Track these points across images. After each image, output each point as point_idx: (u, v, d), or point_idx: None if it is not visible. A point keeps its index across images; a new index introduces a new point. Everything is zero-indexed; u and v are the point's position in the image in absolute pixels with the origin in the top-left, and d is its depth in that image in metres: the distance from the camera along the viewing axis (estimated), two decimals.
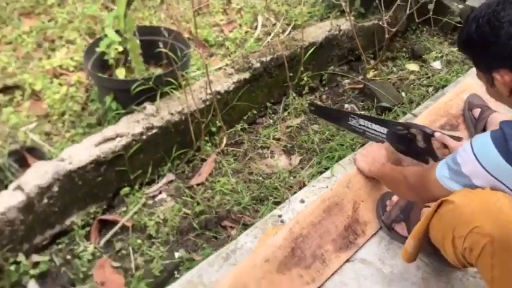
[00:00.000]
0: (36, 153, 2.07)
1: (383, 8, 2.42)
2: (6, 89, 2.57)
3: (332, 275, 1.66)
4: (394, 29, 2.43)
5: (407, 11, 2.43)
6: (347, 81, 2.68)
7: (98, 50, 2.06)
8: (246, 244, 1.75)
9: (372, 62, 2.78)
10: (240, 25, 2.89)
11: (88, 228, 1.95)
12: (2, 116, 2.36)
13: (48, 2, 3.18)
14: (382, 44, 2.71)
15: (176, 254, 1.87)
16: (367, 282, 1.65)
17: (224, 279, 1.59)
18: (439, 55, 2.88)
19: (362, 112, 2.47)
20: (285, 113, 2.43)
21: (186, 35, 2.74)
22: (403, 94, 2.58)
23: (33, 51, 2.83)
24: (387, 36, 2.42)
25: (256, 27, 2.86)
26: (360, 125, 2.01)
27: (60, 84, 2.55)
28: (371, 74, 2.67)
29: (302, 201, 1.88)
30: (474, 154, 1.24)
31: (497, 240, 1.15)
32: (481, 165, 1.23)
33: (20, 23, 3.03)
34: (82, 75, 2.63)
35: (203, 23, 2.87)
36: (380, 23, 2.44)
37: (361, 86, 2.59)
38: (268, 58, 2.30)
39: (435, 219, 1.34)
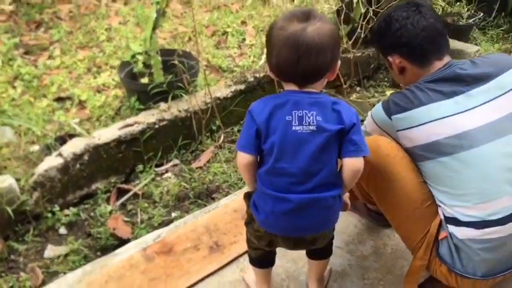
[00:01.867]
0: None
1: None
2: (60, 99, 3.25)
3: None
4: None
5: None
6: None
7: (125, 59, 2.71)
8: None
9: (358, 88, 3.31)
10: (249, 56, 3.51)
11: (108, 194, 2.52)
12: (55, 116, 3.02)
13: (100, 39, 3.94)
14: (366, 74, 3.25)
15: (173, 214, 2.40)
16: None
17: (200, 219, 2.12)
18: None
19: None
20: None
21: (205, 63, 3.39)
22: None
23: (84, 73, 3.54)
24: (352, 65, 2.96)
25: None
26: None
27: (101, 96, 3.21)
28: (354, 97, 3.19)
29: None
30: (372, 117, 1.75)
31: (375, 166, 1.64)
32: (375, 122, 1.73)
33: (76, 53, 3.77)
34: (119, 91, 3.29)
35: (220, 54, 3.52)
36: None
37: None
38: (261, 75, 2.89)
39: None
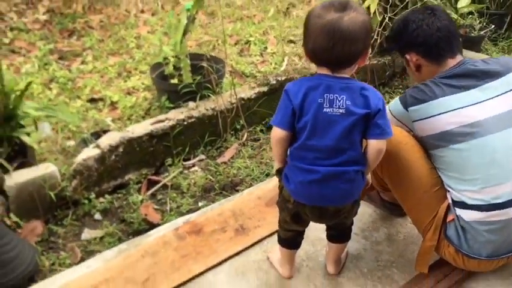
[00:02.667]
0: None
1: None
2: (93, 100, 3.47)
3: None
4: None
5: None
6: None
7: (157, 60, 2.92)
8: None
9: None
10: (271, 63, 3.72)
11: (139, 185, 2.71)
12: (88, 115, 3.24)
13: (130, 46, 4.18)
14: (381, 81, 3.43)
15: (200, 203, 2.58)
16: None
17: (226, 205, 2.30)
18: None
19: None
20: None
21: (229, 68, 3.59)
22: None
23: (115, 78, 3.76)
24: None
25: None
26: None
27: (131, 98, 3.43)
28: None
29: None
30: (390, 110, 1.92)
31: (389, 152, 1.80)
32: (392, 114, 1.90)
33: (107, 59, 4.01)
34: (148, 94, 3.51)
35: (243, 61, 3.72)
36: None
37: None
38: (283, 78, 3.09)
39: None
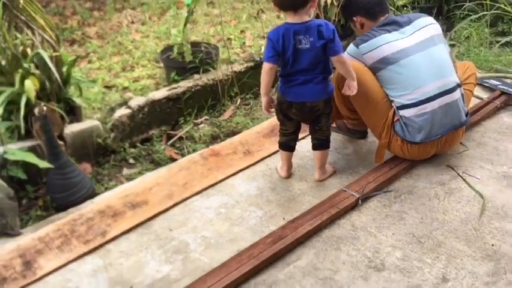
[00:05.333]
0: None
1: None
2: (107, 87, 4.20)
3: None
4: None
5: None
6: None
7: (168, 44, 3.71)
8: None
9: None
10: (251, 52, 4.56)
11: (160, 138, 3.46)
12: (107, 97, 3.97)
13: (128, 48, 4.94)
14: None
15: (210, 146, 3.35)
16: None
17: (234, 138, 3.09)
18: None
19: None
20: None
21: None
22: None
23: (121, 72, 4.50)
24: None
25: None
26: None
27: (139, 83, 4.19)
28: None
29: None
30: (347, 52, 2.79)
31: None
32: (348, 54, 2.77)
33: (111, 59, 4.76)
34: (152, 80, 4.27)
35: (227, 52, 4.55)
36: None
37: None
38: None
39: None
